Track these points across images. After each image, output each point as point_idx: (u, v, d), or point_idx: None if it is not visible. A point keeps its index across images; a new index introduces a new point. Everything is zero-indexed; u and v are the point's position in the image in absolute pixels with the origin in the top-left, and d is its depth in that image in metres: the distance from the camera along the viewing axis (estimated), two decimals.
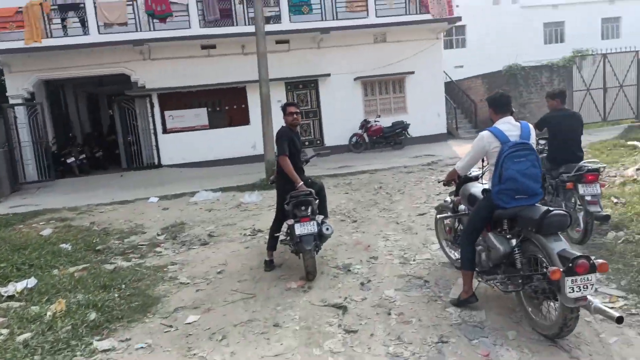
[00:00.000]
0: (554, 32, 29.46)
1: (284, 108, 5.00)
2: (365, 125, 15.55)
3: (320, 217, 4.48)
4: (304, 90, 15.90)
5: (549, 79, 15.33)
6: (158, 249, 6.33)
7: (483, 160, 3.82)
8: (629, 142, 10.84)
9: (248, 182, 10.94)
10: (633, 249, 4.38)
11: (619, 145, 10.81)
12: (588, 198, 4.75)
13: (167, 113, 14.58)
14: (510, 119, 3.46)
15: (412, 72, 16.09)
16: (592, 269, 2.78)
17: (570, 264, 2.78)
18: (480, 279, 3.71)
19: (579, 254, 2.84)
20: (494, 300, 3.79)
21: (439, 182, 4.41)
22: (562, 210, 3.05)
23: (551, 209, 3.02)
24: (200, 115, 14.94)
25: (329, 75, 15.56)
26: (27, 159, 13.56)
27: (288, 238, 4.66)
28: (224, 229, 7.12)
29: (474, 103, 17.59)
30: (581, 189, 4.77)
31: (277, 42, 14.87)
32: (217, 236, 6.75)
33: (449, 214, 4.39)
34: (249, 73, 13.47)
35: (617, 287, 3.77)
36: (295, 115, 4.92)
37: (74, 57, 13.49)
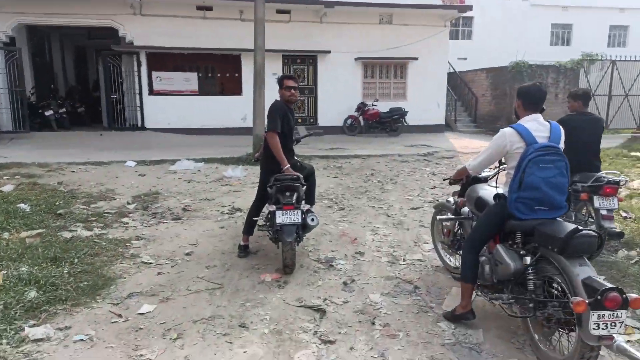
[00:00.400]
0: (561, 34, 28.97)
1: (280, 81, 4.40)
2: (362, 108, 14.96)
3: (305, 206, 3.95)
4: (301, 65, 15.19)
5: (555, 80, 14.85)
6: (125, 220, 5.76)
7: (501, 162, 3.31)
8: (632, 153, 10.46)
9: (234, 155, 10.35)
10: None
11: (622, 155, 10.42)
12: (603, 212, 4.30)
13: (154, 74, 13.79)
14: (539, 116, 2.93)
15: (416, 58, 15.47)
16: (625, 304, 2.31)
17: (599, 297, 2.30)
18: (480, 294, 3.24)
19: (609, 285, 2.37)
20: (493, 318, 3.34)
21: (443, 179, 3.91)
22: (592, 230, 2.56)
23: (580, 227, 2.53)
24: (190, 79, 14.18)
25: (329, 52, 14.85)
26: (1, 107, 12.74)
27: (268, 224, 4.12)
28: (201, 204, 6.57)
29: (475, 97, 17.07)
30: (597, 202, 4.32)
31: (278, 11, 14.09)
32: (192, 211, 6.20)
33: (450, 215, 3.89)
34: (245, 41, 12.71)
35: (632, 316, 3.34)
36: (293, 91, 4.33)
37: (59, 4, 12.56)
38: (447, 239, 4.00)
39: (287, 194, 3.94)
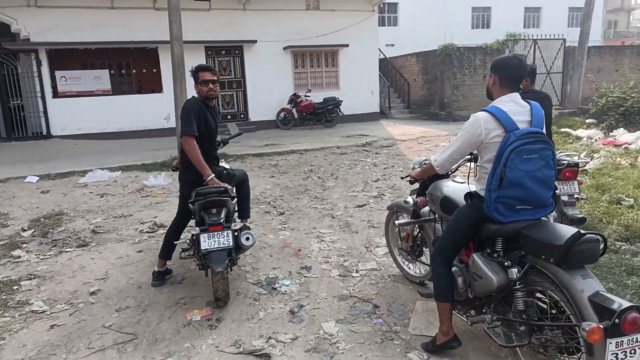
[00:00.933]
0: (481, 17, 30.00)
1: (195, 74, 3.56)
2: (294, 99, 14.26)
3: (237, 224, 3.20)
4: (227, 57, 14.18)
5: (482, 62, 15.02)
6: (17, 252, 4.68)
7: (471, 154, 2.77)
8: (562, 129, 10.66)
9: (156, 160, 9.30)
10: (618, 261, 3.64)
11: (553, 132, 10.57)
12: (564, 198, 3.96)
13: (58, 73, 12.17)
14: (516, 96, 2.40)
15: (347, 45, 15.00)
16: None
17: (617, 320, 1.80)
18: (457, 313, 2.70)
19: (625, 303, 1.88)
20: (469, 338, 2.81)
21: (402, 178, 3.34)
22: (596, 233, 2.07)
23: (582, 232, 2.02)
24: (101, 78, 12.69)
25: (255, 42, 13.96)
26: None
27: (192, 249, 3.32)
28: (115, 223, 5.59)
29: (407, 82, 16.96)
30: (557, 188, 3.95)
31: None
32: (103, 233, 5.22)
33: (408, 219, 3.33)
34: (162, 32, 11.46)
35: None
36: (211, 85, 3.51)
37: None
38: (406, 244, 3.44)
39: (213, 211, 3.17)
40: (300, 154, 9.93)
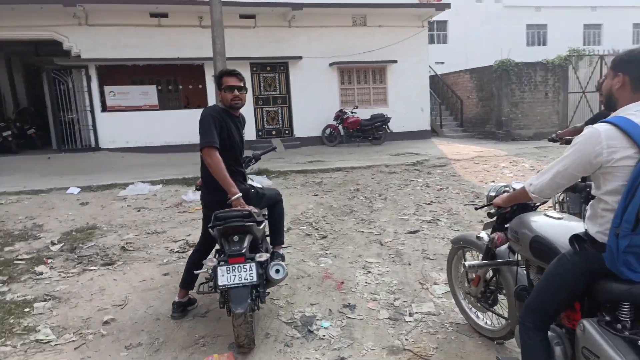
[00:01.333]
0: (537, 35, 28.83)
1: (218, 79, 3.14)
2: (340, 116, 13.80)
3: (263, 255, 2.64)
4: (272, 74, 13.99)
5: (544, 78, 13.97)
6: (40, 268, 4.38)
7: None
8: None
9: (198, 174, 9.00)
10: None
11: None
12: None
13: (107, 88, 12.36)
14: None
15: (395, 61, 14.44)
16: None
17: None
18: None
19: None
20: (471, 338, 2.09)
21: (476, 209, 2.64)
22: None
23: None
24: (148, 93, 12.80)
25: (300, 58, 13.69)
26: None
27: (211, 283, 2.79)
28: (147, 239, 5.22)
29: (460, 100, 16.10)
30: None
31: (242, 16, 12.91)
32: (132, 250, 4.85)
33: (480, 259, 2.66)
34: (207, 49, 11.41)
35: None
36: (237, 92, 3.05)
37: None
38: (475, 288, 2.75)
39: (235, 238, 2.64)
40: (346, 171, 9.36)
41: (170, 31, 12.39)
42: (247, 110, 13.67)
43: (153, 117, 12.68)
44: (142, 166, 10.65)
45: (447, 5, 14.26)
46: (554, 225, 2.13)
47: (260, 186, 3.53)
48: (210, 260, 2.65)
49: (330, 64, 14.12)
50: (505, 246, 2.52)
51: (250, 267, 2.52)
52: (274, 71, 13.97)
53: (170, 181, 8.69)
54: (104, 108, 12.37)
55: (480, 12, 27.20)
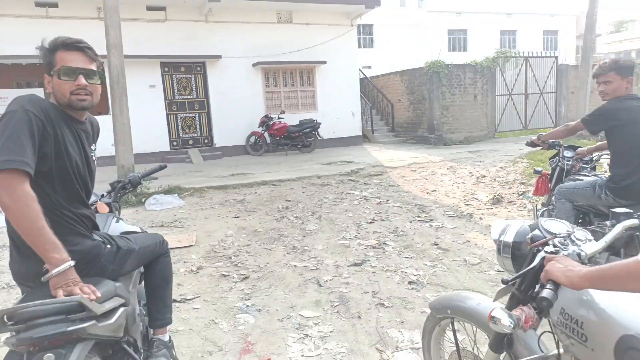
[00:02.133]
0: (458, 40, 29.75)
1: (47, 54, 1.71)
2: (266, 122, 12.58)
3: None
4: (187, 74, 12.47)
5: (473, 80, 13.76)
6: None
7: None
8: None
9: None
10: None
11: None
12: None
13: None
14: None
15: (324, 62, 13.54)
16: None
17: None
18: None
19: None
20: None
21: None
22: None
23: None
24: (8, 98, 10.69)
25: (219, 57, 12.33)
26: None
27: None
28: None
29: (391, 103, 15.55)
30: None
31: (149, 7, 11.32)
32: None
33: (494, 341, 1.60)
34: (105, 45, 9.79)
35: None
36: (82, 79, 1.69)
37: None
38: None
39: (48, 355, 1.35)
40: (273, 185, 8.18)
41: (61, 23, 10.43)
42: (159, 117, 12.03)
43: None
44: None
45: (377, 2, 13.60)
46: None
47: (133, 229, 2.26)
48: None
49: (254, 65, 12.88)
50: (533, 331, 1.48)
51: None
52: (189, 72, 12.45)
53: None
54: None
55: (404, 17, 27.49)
